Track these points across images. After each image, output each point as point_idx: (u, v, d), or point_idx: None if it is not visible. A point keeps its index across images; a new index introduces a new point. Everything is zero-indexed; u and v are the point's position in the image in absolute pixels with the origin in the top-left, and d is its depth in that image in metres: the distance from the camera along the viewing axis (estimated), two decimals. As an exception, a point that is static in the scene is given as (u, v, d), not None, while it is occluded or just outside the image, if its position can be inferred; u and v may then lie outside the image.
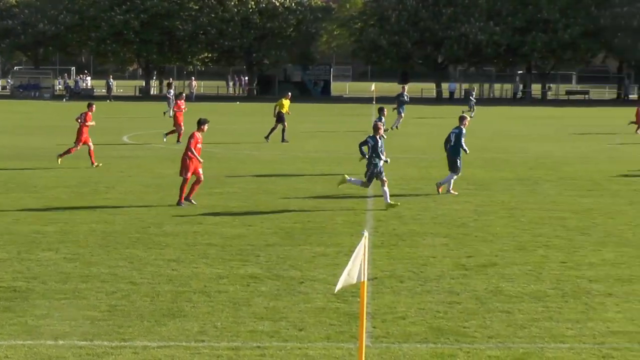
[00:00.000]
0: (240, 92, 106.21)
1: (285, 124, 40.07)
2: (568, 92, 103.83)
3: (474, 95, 67.59)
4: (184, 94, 44.40)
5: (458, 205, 22.43)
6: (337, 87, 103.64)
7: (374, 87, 67.19)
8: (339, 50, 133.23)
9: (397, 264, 15.81)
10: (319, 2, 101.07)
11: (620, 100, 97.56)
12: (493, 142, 40.97)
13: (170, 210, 21.17)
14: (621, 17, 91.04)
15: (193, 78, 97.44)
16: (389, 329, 12.04)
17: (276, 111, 40.36)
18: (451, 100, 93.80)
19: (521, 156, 34.69)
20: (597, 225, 19.85)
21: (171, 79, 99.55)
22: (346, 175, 23.03)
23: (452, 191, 24.30)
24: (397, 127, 47.19)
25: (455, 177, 24.45)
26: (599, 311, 12.97)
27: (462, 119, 24.64)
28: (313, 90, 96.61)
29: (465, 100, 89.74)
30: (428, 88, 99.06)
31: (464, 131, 24.22)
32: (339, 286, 8.51)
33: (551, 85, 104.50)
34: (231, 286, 14.17)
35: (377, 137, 22.11)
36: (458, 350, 11.28)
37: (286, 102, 40.92)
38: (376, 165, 21.91)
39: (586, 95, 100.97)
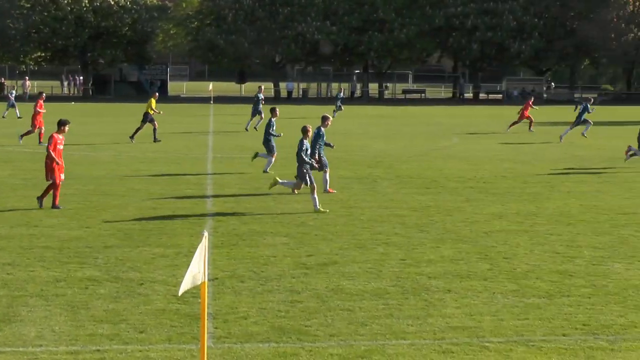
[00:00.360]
0: (75, 92, 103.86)
1: (156, 123, 39.95)
2: (405, 91, 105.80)
3: (341, 96, 67.45)
4: (43, 94, 42.98)
5: (298, 204, 22.43)
6: (174, 87, 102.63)
7: (211, 87, 66.78)
8: (176, 49, 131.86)
9: (237, 264, 15.65)
10: (155, 1, 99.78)
11: (456, 99, 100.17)
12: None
13: (5, 214, 20.43)
14: (455, 17, 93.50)
15: (27, 78, 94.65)
16: (231, 330, 11.89)
17: (146, 111, 40.15)
18: (289, 99, 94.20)
19: (360, 155, 35.04)
20: (436, 222, 20.18)
21: (2, 78, 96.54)
22: (278, 178, 22.96)
23: (329, 190, 24.56)
24: (256, 127, 46.32)
25: (326, 175, 24.74)
26: (439, 307, 13.14)
27: (324, 118, 24.83)
28: (150, 90, 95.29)
29: (303, 99, 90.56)
30: (266, 87, 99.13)
31: (322, 131, 24.41)
32: (182, 289, 8.30)
33: (388, 84, 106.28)
34: (69, 289, 13.75)
35: (305, 140, 22.06)
36: (300, 349, 11.22)
37: (153, 102, 40.66)
38: (305, 163, 21.94)
39: (422, 94, 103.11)
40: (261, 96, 48.78)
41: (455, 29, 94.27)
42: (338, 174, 28.04)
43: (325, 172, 24.68)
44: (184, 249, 16.69)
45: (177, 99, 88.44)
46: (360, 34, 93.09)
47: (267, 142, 29.24)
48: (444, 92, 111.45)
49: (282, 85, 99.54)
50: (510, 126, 48.48)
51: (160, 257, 16.20)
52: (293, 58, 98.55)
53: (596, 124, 49.08)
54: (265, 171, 28.41)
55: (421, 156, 35.02)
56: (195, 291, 11.06)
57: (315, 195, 21.46)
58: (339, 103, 63.07)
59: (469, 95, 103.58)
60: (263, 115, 45.96)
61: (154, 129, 39.56)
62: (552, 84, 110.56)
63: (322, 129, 24.37)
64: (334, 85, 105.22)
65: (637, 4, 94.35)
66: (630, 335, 11.91)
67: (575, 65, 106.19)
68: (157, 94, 43.99)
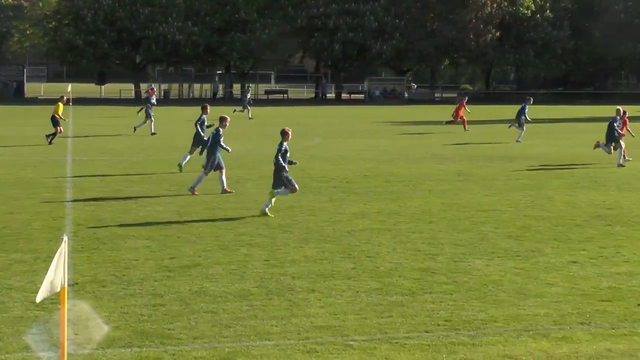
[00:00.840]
0: None
1: (60, 128, 39.51)
2: (267, 92, 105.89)
3: (248, 96, 66.93)
4: None
5: (160, 206, 22.16)
6: (32, 89, 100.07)
7: (70, 89, 65.44)
8: (33, 50, 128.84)
9: (98, 268, 15.33)
10: (10, 1, 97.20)
11: (318, 99, 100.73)
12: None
13: None
14: (317, 18, 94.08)
15: None
16: (92, 335, 11.61)
17: (53, 115, 39.55)
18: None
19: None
20: (299, 222, 20.20)
21: None
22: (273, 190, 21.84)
23: (227, 189, 24.79)
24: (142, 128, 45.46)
25: (204, 176, 24.74)
26: (303, 307, 13.14)
27: (222, 119, 25.12)
28: (5, 92, 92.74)
29: (165, 100, 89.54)
30: (126, 89, 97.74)
31: (221, 132, 24.69)
32: (40, 295, 8.04)
33: (251, 85, 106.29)
34: None
35: (285, 142, 21.69)
36: (163, 353, 11.05)
37: (60, 106, 39.85)
38: (284, 169, 21.38)
39: (285, 95, 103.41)
40: (153, 100, 48.48)
41: (317, 30, 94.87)
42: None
43: (222, 172, 24.69)
44: (42, 254, 16.25)
45: (35, 101, 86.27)
46: (222, 34, 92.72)
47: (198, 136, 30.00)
48: (307, 92, 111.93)
49: (143, 86, 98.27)
50: (447, 123, 49.87)
51: (17, 262, 15.74)
52: (154, 59, 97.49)
53: (457, 122, 50.15)
54: (180, 164, 29.06)
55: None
56: (54, 297, 10.76)
57: (273, 200, 21.28)
58: (246, 103, 63.17)
59: (331, 95, 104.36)
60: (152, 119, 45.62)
61: (54, 134, 39.19)
62: (413, 84, 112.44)
63: (221, 129, 24.64)
64: (196, 86, 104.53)
65: (495, 5, 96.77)
66: (491, 329, 12.14)
67: (436, 66, 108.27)
68: (65, 98, 43.05)
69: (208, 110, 30.70)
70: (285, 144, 21.52)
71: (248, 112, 61.63)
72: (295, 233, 18.89)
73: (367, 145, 40.77)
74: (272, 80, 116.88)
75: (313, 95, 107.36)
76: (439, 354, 11.19)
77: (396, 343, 11.57)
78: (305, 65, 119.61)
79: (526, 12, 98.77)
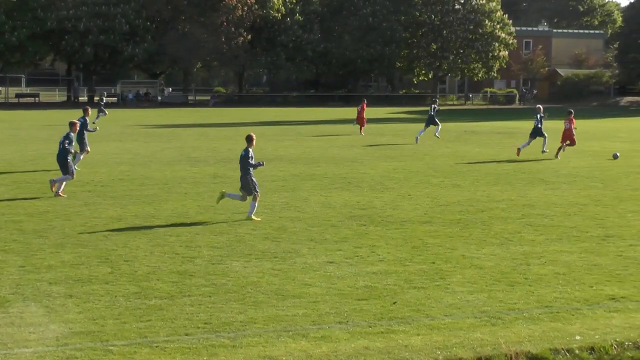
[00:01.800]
0: None
1: None
2: (18, 95, 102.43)
3: (104, 101, 63.79)
4: None
5: None
6: None
7: None
8: None
9: None
10: None
11: (71, 103, 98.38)
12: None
13: None
14: (67, 20, 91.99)
15: None
16: None
17: None
18: None
19: None
20: (54, 227, 19.74)
21: None
22: (224, 190, 21.84)
23: (61, 194, 24.44)
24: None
25: (69, 178, 25.04)
26: (61, 313, 12.88)
27: (71, 124, 25.53)
28: None
29: None
30: None
31: (71, 135, 25.04)
32: None
33: (1, 88, 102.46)
34: None
35: (250, 148, 21.43)
36: None
37: None
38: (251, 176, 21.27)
39: (36, 98, 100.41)
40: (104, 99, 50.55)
41: (68, 32, 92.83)
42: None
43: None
44: None
45: None
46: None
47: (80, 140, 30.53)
48: (59, 95, 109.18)
49: None
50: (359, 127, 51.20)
51: None
52: None
53: (209, 125, 50.38)
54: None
55: (36, 161, 34.10)
56: None
57: (256, 203, 21.20)
58: (101, 106, 60.61)
59: (83, 98, 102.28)
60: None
61: None
62: (168, 88, 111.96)
63: (72, 133, 25.20)
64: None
65: (246, 8, 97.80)
66: (250, 330, 12.32)
67: (188, 68, 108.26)
68: None
69: (89, 112, 33.28)
70: (250, 150, 21.51)
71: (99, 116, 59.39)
72: (51, 238, 18.45)
73: (121, 148, 40.27)
74: (23, 84, 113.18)
75: (65, 98, 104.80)
76: (200, 356, 11.26)
77: (156, 347, 11.55)
78: (57, 68, 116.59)
79: (277, 15, 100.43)
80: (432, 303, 13.73)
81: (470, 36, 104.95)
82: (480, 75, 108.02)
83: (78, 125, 26.21)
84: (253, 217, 21.17)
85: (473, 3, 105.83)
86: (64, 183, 25.03)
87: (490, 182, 28.85)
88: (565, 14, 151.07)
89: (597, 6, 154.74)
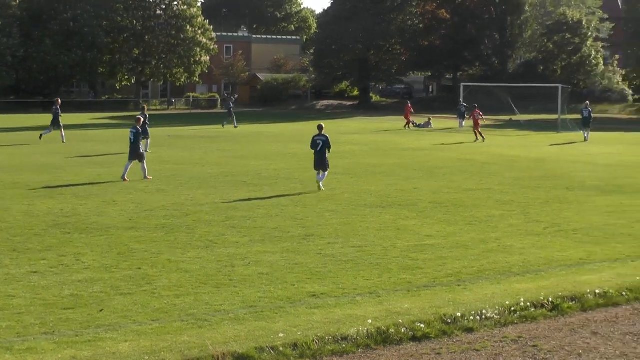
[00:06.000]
0: None
1: None
2: None
3: None
4: None
5: None
6: None
7: None
8: None
9: None
10: None
11: None
12: None
13: None
14: None
15: None
16: None
17: None
18: None
19: None
20: None
21: None
22: None
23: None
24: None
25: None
26: None
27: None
28: None
29: None
30: None
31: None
32: None
33: None
34: None
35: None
36: None
37: None
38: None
39: None
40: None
41: None
42: None
43: None
44: None
45: None
46: None
47: None
48: None
49: None
50: None
51: None
52: None
53: None
54: None
55: None
56: None
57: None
58: None
59: None
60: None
61: None
62: None
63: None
64: None
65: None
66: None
67: None
68: None
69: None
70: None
71: None
72: None
73: None
74: None
75: None
76: None
77: None
78: None
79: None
80: (139, 308, 13.83)
81: (172, 41, 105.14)
82: (182, 80, 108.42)
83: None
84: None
85: (175, 9, 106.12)
86: None
87: (195, 186, 29.23)
88: (264, 20, 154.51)
89: (293, 13, 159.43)
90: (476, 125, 55.05)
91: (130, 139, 31.87)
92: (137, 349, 11.83)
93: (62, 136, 49.82)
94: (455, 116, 72.17)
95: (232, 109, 67.90)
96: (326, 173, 29.24)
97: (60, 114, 50.52)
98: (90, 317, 13.41)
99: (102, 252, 18.31)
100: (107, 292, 14.87)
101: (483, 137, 53.63)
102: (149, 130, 42.36)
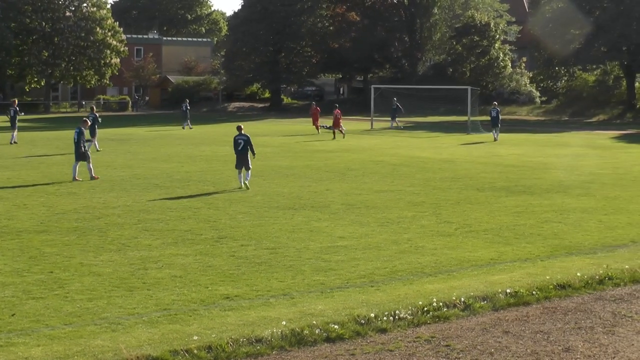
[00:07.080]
0: None
1: None
2: None
3: None
4: None
5: None
6: None
7: None
8: None
9: None
10: None
11: None
12: None
13: None
14: None
15: None
16: None
17: None
18: None
19: None
20: None
21: None
22: None
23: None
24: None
25: None
26: None
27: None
28: None
29: None
30: None
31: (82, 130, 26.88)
32: None
33: None
34: None
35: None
36: None
37: None
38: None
39: None
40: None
41: None
42: None
43: None
44: None
45: None
46: None
47: None
48: None
49: None
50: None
51: None
52: None
53: None
54: None
55: None
56: None
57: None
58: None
59: None
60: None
61: None
62: None
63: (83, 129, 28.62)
64: None
65: None
66: None
67: None
68: None
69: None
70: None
71: None
72: None
73: None
74: None
75: None
76: None
77: None
78: None
79: None
80: (52, 313, 13.69)
81: (82, 43, 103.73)
82: (92, 82, 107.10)
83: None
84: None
85: (84, 11, 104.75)
86: None
87: (106, 189, 28.98)
88: (174, 22, 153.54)
89: (204, 15, 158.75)
90: (336, 124, 58.21)
91: (74, 139, 31.97)
92: (50, 354, 11.72)
93: (13, 136, 50.75)
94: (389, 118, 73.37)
95: (188, 111, 69.27)
96: (249, 172, 29.73)
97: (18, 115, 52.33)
98: (1, 322, 13.24)
99: (13, 256, 18.06)
100: (18, 297, 14.68)
101: (343, 134, 57.89)
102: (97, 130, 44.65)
